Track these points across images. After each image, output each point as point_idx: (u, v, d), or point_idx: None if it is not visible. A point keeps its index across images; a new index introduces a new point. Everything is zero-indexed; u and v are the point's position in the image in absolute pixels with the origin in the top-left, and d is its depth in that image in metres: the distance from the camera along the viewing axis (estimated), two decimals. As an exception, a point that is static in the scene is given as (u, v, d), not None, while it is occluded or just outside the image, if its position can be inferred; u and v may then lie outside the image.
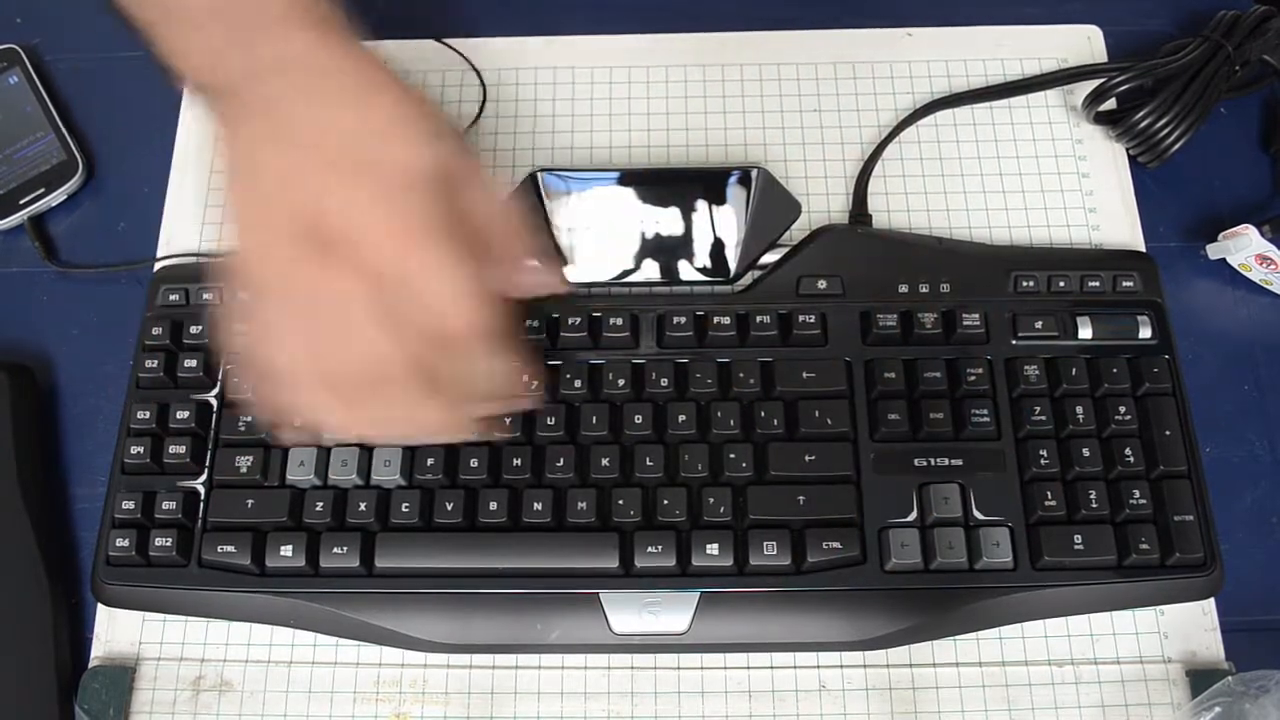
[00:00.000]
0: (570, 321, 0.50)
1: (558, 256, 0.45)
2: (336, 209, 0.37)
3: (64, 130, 0.58)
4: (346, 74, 0.39)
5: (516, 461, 0.48)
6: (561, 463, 0.48)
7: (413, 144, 0.38)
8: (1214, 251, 0.54)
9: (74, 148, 0.58)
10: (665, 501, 0.47)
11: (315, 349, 0.38)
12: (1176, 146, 0.55)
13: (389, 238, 0.37)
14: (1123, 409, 0.49)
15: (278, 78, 0.40)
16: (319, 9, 0.41)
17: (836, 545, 0.46)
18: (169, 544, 0.47)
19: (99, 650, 0.49)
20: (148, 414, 0.49)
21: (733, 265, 0.52)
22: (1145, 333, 0.50)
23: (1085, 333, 0.50)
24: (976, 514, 0.47)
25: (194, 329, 0.51)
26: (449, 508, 0.47)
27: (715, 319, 0.50)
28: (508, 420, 0.47)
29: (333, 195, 0.37)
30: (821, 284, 0.51)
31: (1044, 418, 0.48)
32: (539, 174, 0.53)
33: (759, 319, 0.50)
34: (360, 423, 0.40)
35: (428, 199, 0.37)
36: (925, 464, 0.48)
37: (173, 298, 0.52)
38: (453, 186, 0.38)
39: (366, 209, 0.37)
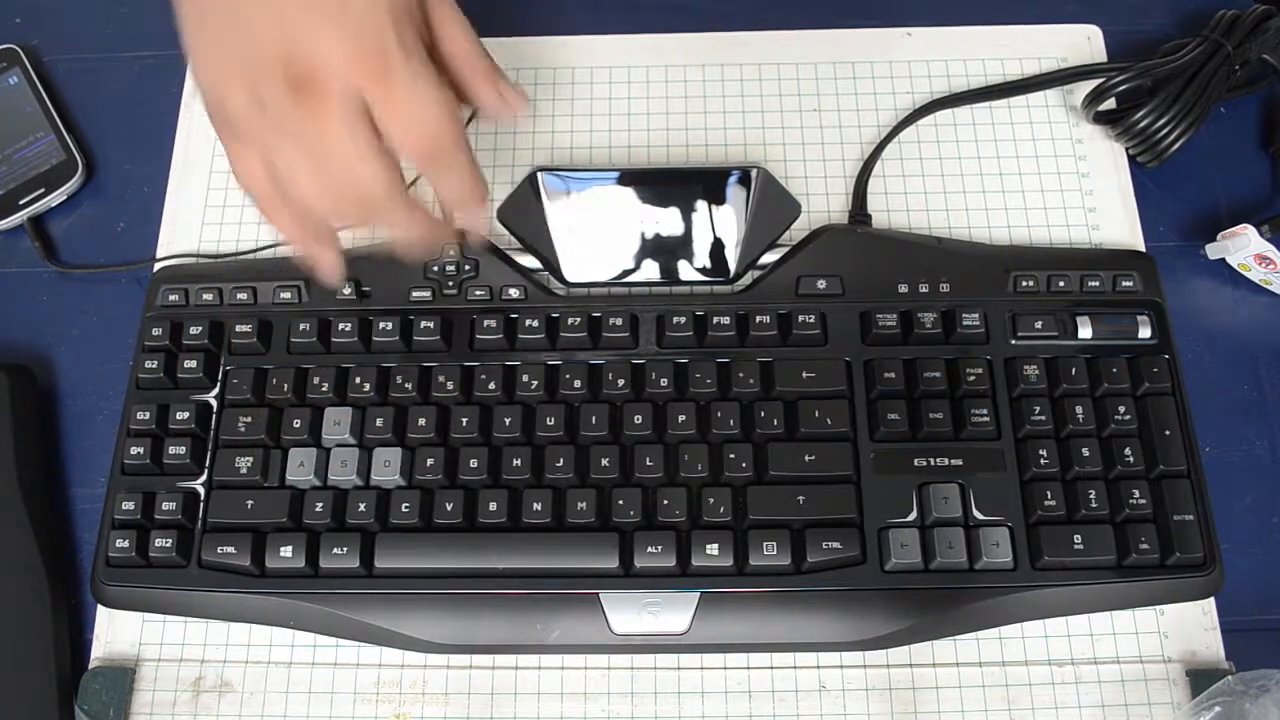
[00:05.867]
0: (570, 321, 0.50)
1: (508, 83, 0.45)
2: (301, 47, 0.37)
3: (64, 130, 0.58)
4: None
5: (516, 461, 0.48)
6: (561, 463, 0.48)
7: None
8: (1213, 251, 0.54)
9: (74, 148, 0.58)
10: (665, 501, 0.47)
11: (312, 184, 0.39)
12: (1176, 146, 0.55)
13: (354, 67, 0.37)
14: (1122, 409, 0.48)
15: None
16: None
17: (836, 545, 0.46)
18: (169, 545, 0.47)
19: (99, 651, 0.49)
20: (148, 414, 0.49)
21: (733, 265, 0.52)
22: (1145, 332, 0.50)
23: (1085, 332, 0.50)
24: (976, 514, 0.47)
25: (194, 329, 0.51)
26: (449, 508, 0.47)
27: (715, 319, 0.50)
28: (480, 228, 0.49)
29: (296, 33, 0.37)
30: (821, 284, 0.51)
31: (1044, 417, 0.48)
32: (539, 174, 0.53)
33: (759, 319, 0.50)
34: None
35: (388, 23, 0.38)
36: (925, 464, 0.48)
37: (173, 298, 0.52)
38: (414, 11, 0.39)
39: (330, 42, 0.37)
